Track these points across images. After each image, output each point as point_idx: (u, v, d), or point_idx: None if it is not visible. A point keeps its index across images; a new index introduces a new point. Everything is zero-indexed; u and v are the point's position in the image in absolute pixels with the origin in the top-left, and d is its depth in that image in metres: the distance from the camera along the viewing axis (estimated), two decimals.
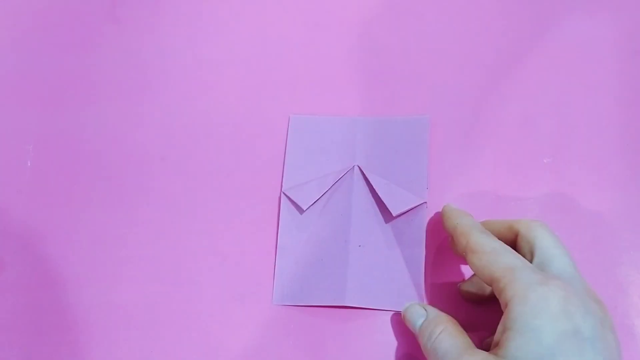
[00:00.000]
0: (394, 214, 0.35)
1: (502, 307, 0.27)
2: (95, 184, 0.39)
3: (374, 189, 0.36)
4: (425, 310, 0.31)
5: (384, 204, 0.35)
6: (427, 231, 0.35)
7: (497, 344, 0.27)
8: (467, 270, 0.35)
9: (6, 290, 0.37)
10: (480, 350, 0.27)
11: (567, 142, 0.37)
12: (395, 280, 0.34)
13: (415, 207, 0.35)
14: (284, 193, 0.37)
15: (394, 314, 0.34)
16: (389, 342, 0.34)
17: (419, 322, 0.31)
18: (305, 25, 0.42)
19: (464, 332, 0.29)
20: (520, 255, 0.28)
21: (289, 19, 0.42)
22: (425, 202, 0.35)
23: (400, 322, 0.34)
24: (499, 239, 0.30)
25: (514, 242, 0.31)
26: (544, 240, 0.29)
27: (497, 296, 0.28)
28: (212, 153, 0.39)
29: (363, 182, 0.37)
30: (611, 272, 0.34)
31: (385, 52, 0.41)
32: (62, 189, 0.39)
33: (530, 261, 0.29)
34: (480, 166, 0.37)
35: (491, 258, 0.28)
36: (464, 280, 0.34)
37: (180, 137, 0.40)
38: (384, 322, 0.34)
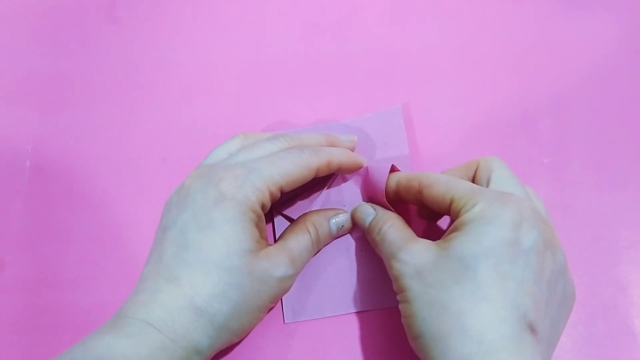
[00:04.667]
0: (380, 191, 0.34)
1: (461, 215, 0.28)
2: (95, 184, 0.39)
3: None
4: (374, 209, 0.33)
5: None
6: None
7: (446, 236, 0.28)
8: None
9: (6, 290, 0.37)
10: (423, 239, 0.29)
11: (567, 142, 0.37)
12: None
13: None
14: (275, 210, 0.36)
15: (392, 314, 0.34)
16: (389, 342, 0.34)
17: (368, 219, 0.33)
18: (304, 26, 0.42)
19: (409, 227, 0.31)
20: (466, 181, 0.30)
21: (289, 20, 0.42)
22: None
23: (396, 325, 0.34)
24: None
25: (473, 180, 0.32)
26: (500, 170, 0.30)
27: (454, 216, 0.29)
28: None
29: (353, 185, 0.36)
30: (611, 271, 0.34)
31: (384, 53, 0.41)
32: (61, 189, 0.39)
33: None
34: None
35: (450, 185, 0.29)
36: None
37: (180, 138, 0.40)
38: (384, 323, 0.34)
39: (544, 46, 0.40)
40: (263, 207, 0.30)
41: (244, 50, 0.42)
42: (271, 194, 0.30)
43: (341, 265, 0.35)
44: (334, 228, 0.34)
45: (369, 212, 0.33)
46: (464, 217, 0.27)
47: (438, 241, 0.28)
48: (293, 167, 0.31)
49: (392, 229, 0.31)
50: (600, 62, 0.39)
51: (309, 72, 0.41)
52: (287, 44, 0.42)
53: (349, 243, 0.36)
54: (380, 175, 0.33)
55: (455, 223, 0.28)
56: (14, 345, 0.36)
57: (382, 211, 0.33)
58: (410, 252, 0.28)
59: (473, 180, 0.31)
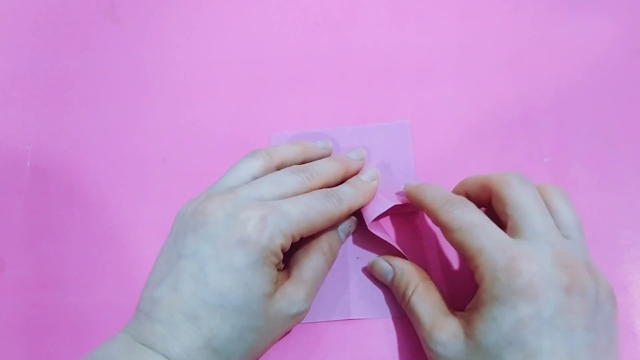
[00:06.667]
0: (367, 222, 0.33)
1: (477, 282, 0.28)
2: (95, 184, 0.39)
3: None
4: (391, 264, 0.33)
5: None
6: (420, 231, 0.35)
7: (469, 312, 0.28)
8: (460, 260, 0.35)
9: (6, 290, 0.37)
10: (451, 320, 0.29)
11: (567, 142, 0.37)
12: None
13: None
14: None
15: (391, 319, 0.34)
16: (389, 343, 0.34)
17: (389, 277, 0.33)
18: (304, 26, 0.42)
19: (434, 289, 0.31)
20: (489, 228, 0.28)
21: (289, 20, 0.43)
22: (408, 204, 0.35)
23: (397, 327, 0.34)
24: (475, 197, 0.31)
25: (489, 199, 0.31)
26: (515, 200, 0.29)
27: (473, 273, 0.28)
28: (213, 155, 0.39)
29: None
30: (611, 271, 0.34)
31: (384, 52, 0.41)
32: (61, 189, 0.39)
33: (506, 220, 0.29)
34: (481, 166, 0.37)
35: (462, 236, 0.28)
36: None
37: (181, 138, 0.40)
38: (382, 328, 0.34)
39: (544, 46, 0.40)
40: (283, 250, 0.30)
41: (244, 51, 0.42)
42: (293, 239, 0.30)
43: (337, 273, 0.35)
44: (342, 235, 0.35)
45: (387, 270, 0.33)
46: (479, 295, 0.27)
47: (463, 319, 0.28)
48: (318, 217, 0.31)
49: (416, 297, 0.31)
50: (600, 62, 0.39)
51: (310, 72, 0.41)
52: (288, 44, 0.42)
53: (345, 250, 0.36)
54: (378, 205, 0.33)
55: (477, 294, 0.28)
56: (14, 346, 0.36)
57: (399, 268, 0.33)
58: (440, 343, 0.28)
59: (490, 207, 0.31)
